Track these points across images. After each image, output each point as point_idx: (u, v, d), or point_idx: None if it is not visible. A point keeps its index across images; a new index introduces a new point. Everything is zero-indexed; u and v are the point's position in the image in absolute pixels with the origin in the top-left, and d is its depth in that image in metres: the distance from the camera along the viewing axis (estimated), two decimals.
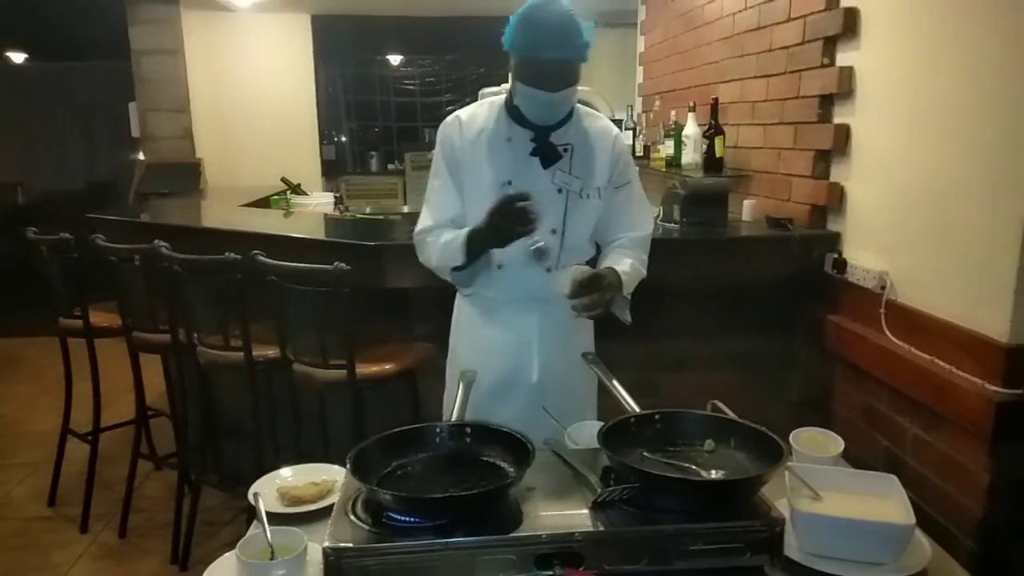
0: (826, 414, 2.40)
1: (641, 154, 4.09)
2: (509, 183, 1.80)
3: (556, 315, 1.83)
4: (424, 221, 1.90)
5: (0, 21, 6.77)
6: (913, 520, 1.29)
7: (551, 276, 1.82)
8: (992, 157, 1.79)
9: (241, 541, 1.31)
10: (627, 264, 1.84)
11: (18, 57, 8.99)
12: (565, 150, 1.83)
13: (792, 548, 1.31)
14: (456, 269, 1.84)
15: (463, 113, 1.89)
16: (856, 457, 1.89)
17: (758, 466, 1.35)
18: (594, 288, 1.69)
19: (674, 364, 2.49)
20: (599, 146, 1.87)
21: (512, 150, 1.82)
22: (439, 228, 1.87)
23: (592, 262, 1.91)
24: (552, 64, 1.69)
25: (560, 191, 1.83)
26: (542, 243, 1.79)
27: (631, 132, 4.17)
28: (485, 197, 1.78)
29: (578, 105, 1.90)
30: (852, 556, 1.29)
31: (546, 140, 1.81)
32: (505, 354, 1.82)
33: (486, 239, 1.77)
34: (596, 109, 2.65)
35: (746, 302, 2.51)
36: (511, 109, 1.82)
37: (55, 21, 6.78)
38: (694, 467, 1.37)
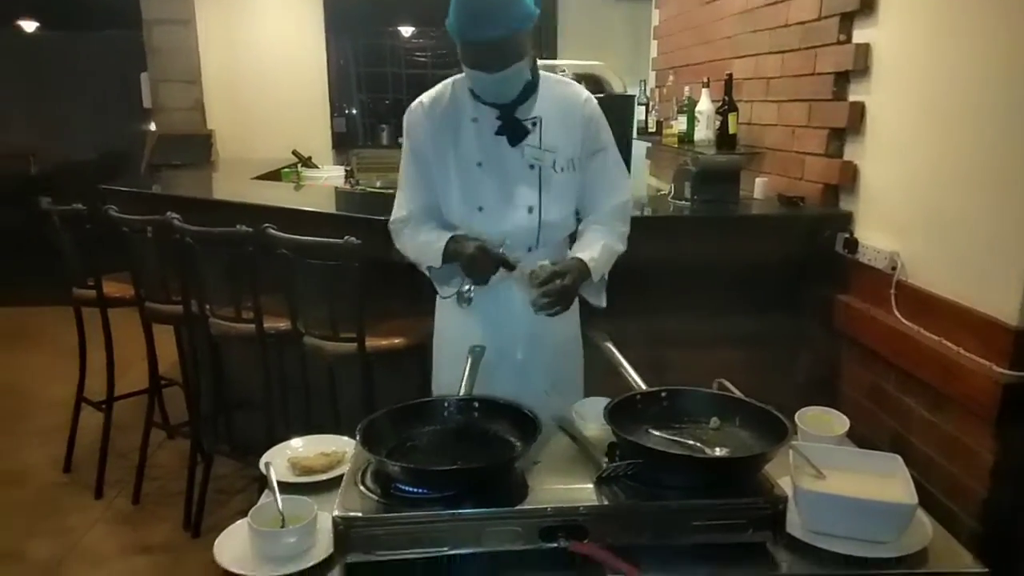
0: (833, 394, 2.40)
1: (654, 129, 4.06)
2: (479, 164, 1.77)
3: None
4: (398, 210, 1.88)
5: None
6: (915, 500, 1.30)
7: (531, 256, 1.79)
8: (1006, 140, 1.77)
9: (253, 509, 1.34)
10: (597, 248, 1.79)
11: (29, 26, 8.96)
12: (534, 124, 1.77)
13: (795, 525, 1.33)
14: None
15: (426, 98, 1.83)
16: (862, 437, 1.90)
17: (762, 444, 1.36)
18: (550, 286, 1.67)
19: (682, 342, 2.50)
20: (569, 115, 1.80)
21: (479, 130, 1.77)
22: (415, 220, 1.85)
23: (569, 239, 1.90)
24: (486, 45, 1.61)
25: (532, 167, 1.78)
26: (502, 251, 1.73)
27: (644, 107, 4.13)
28: (457, 179, 1.78)
29: (546, 74, 1.84)
30: (854, 534, 1.30)
31: (511, 117, 1.75)
32: (489, 333, 1.80)
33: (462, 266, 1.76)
34: (608, 83, 2.65)
35: (756, 280, 2.50)
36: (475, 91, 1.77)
37: None
38: (699, 444, 1.39)
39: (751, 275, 2.49)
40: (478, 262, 1.71)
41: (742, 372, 1.83)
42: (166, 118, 6.07)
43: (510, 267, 1.72)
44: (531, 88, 1.76)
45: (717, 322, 2.53)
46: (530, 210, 1.79)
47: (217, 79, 6.07)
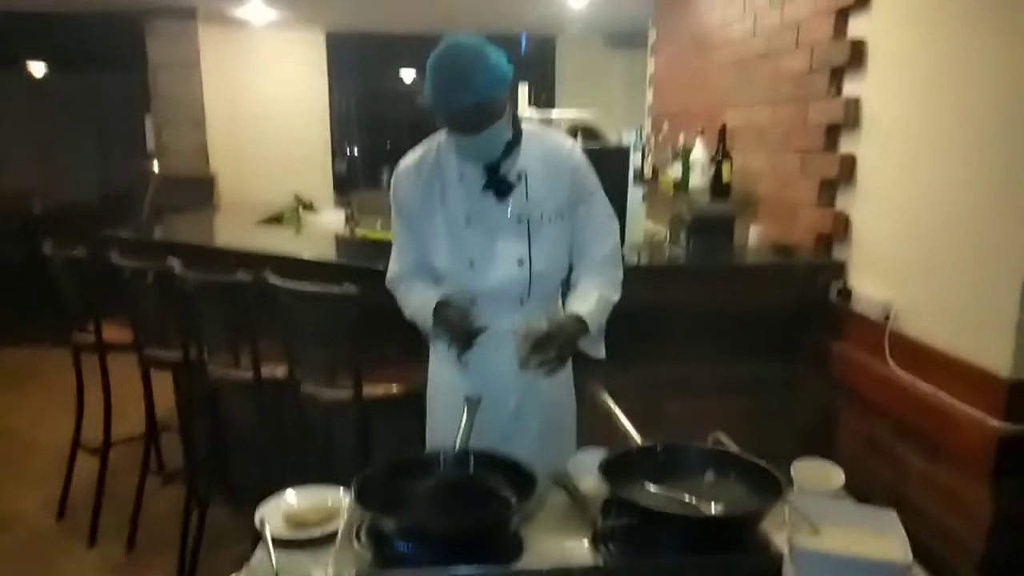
0: (829, 442, 2.41)
1: (649, 176, 4.12)
2: (468, 220, 1.79)
3: None
4: (392, 267, 1.93)
5: (21, 33, 6.88)
6: (910, 558, 1.30)
7: (523, 309, 1.81)
8: (995, 192, 1.81)
9: (246, 567, 1.34)
10: (593, 299, 1.80)
11: (38, 69, 9.12)
12: (519, 178, 1.79)
13: None
14: None
15: (411, 158, 1.86)
16: (858, 487, 1.90)
17: (758, 500, 1.36)
18: (546, 347, 1.67)
19: (679, 390, 2.50)
20: (555, 166, 1.82)
21: (465, 187, 1.79)
22: (408, 277, 1.90)
23: (563, 291, 1.92)
24: (460, 110, 1.64)
25: (520, 221, 1.79)
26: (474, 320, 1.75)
27: (639, 154, 4.20)
28: (446, 236, 1.80)
29: (530, 127, 1.86)
30: None
31: (496, 172, 1.77)
32: (483, 380, 1.80)
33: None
34: (599, 134, 2.70)
35: (751, 328, 2.52)
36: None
37: (75, 34, 6.88)
38: (695, 500, 1.39)
39: (747, 323, 2.51)
40: (457, 342, 1.76)
41: (738, 420, 1.84)
42: (169, 160, 6.15)
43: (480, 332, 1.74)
44: (514, 143, 1.78)
45: (713, 369, 2.54)
46: (520, 263, 1.80)
47: (221, 122, 6.17)
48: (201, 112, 6.12)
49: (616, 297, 1.89)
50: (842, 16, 2.43)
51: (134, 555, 2.99)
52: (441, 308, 1.79)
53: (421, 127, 1.85)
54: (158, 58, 6.04)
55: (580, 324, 1.76)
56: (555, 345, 1.68)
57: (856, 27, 2.39)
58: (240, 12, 5.68)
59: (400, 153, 1.93)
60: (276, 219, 4.20)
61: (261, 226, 3.94)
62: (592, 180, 1.88)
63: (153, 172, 6.36)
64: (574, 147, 1.88)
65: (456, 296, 1.79)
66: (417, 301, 1.85)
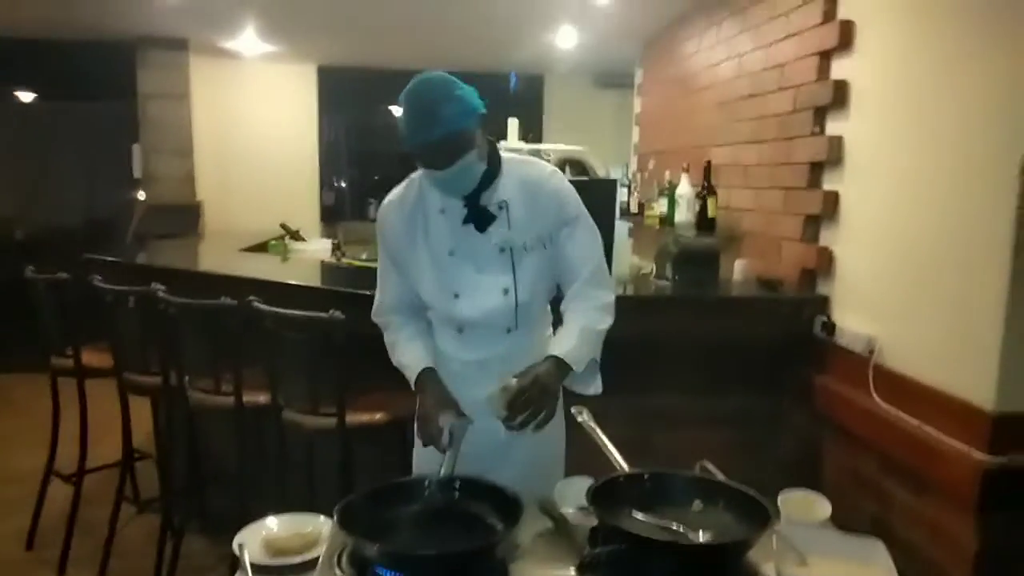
0: (815, 475, 2.40)
1: (636, 211, 4.17)
2: (451, 253, 1.79)
3: (525, 362, 1.77)
4: (377, 298, 1.93)
5: (9, 59, 6.90)
6: None
7: (511, 337, 1.81)
8: (976, 227, 1.84)
9: None
10: (574, 336, 1.75)
11: (27, 96, 9.13)
12: (500, 208, 1.78)
13: None
14: None
15: (394, 195, 1.87)
16: (844, 520, 1.89)
17: (746, 529, 1.35)
18: (522, 405, 1.62)
19: (664, 421, 2.50)
20: (535, 193, 1.80)
21: (448, 220, 1.79)
22: (393, 313, 1.90)
23: (552, 323, 1.91)
24: (429, 144, 1.65)
25: (503, 250, 1.78)
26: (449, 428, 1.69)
27: (626, 189, 4.25)
28: (431, 269, 1.80)
29: (509, 156, 1.86)
30: None
31: (476, 204, 1.77)
32: (470, 411, 1.78)
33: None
34: (591, 168, 2.74)
35: (736, 361, 2.53)
36: None
37: (64, 61, 6.91)
38: (682, 528, 1.37)
39: (732, 356, 2.52)
40: (423, 432, 1.74)
41: (723, 452, 1.83)
42: (156, 188, 6.13)
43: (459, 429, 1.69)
44: (492, 174, 1.78)
45: (699, 401, 2.54)
46: (505, 292, 1.79)
47: (209, 152, 6.18)
48: (189, 141, 6.13)
49: (607, 322, 1.82)
50: (825, 58, 2.50)
51: None
52: (420, 385, 1.80)
53: (409, 161, 1.85)
54: (148, 87, 6.06)
55: (559, 367, 1.70)
56: (531, 401, 1.62)
57: (839, 69, 2.45)
58: (232, 44, 5.73)
59: (388, 186, 1.94)
60: (262, 247, 4.18)
61: (246, 253, 3.92)
62: (573, 204, 1.84)
63: (139, 200, 6.34)
64: (554, 173, 1.86)
65: (433, 388, 1.79)
66: (402, 358, 1.86)
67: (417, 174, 1.85)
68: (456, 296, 1.81)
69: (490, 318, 1.80)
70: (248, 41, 5.59)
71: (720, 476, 1.52)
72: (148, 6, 4.69)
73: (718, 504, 1.45)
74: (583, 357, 1.74)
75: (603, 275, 1.88)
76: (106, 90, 7.51)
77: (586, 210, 1.86)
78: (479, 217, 1.77)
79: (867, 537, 1.46)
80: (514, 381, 1.63)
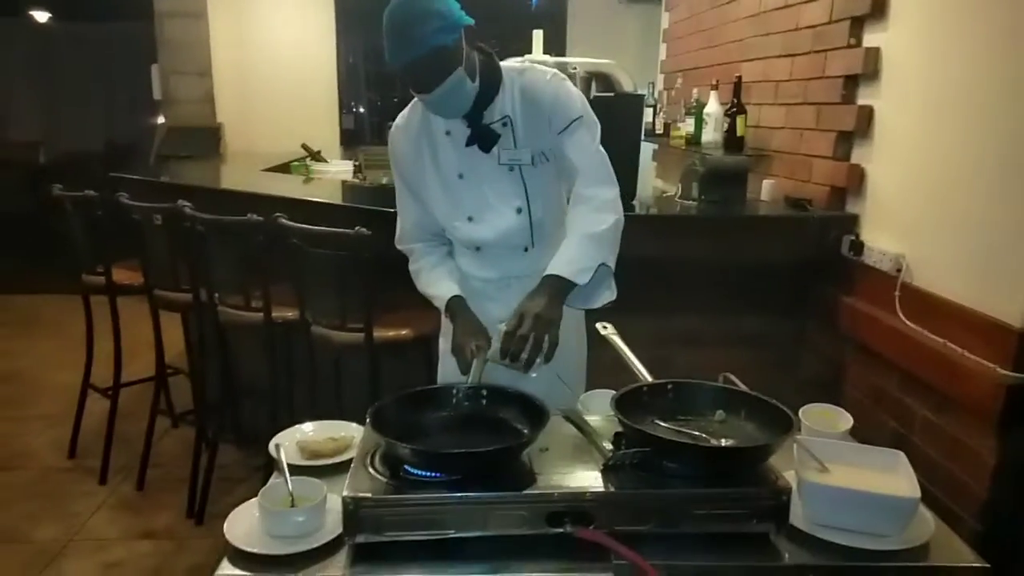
0: (836, 394, 2.42)
1: (661, 131, 4.08)
2: (460, 176, 1.76)
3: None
4: (398, 226, 1.92)
5: None
6: (918, 494, 1.32)
7: (529, 255, 1.80)
8: (1011, 146, 1.79)
9: (263, 489, 1.36)
10: (573, 247, 1.65)
11: (42, 16, 9.01)
12: (504, 124, 1.72)
13: (798, 517, 1.34)
14: None
15: (401, 119, 1.83)
16: (865, 437, 1.91)
17: (767, 436, 1.38)
18: (520, 342, 1.55)
19: (688, 340, 2.51)
20: (536, 102, 1.71)
21: (454, 142, 1.75)
22: (417, 247, 1.90)
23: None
24: (409, 66, 1.57)
25: (512, 169, 1.74)
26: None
27: (651, 109, 4.16)
28: (442, 193, 1.79)
29: (509, 66, 1.77)
30: (856, 527, 1.32)
31: (479, 124, 1.71)
32: (493, 328, 1.80)
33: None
34: (619, 82, 2.67)
35: (762, 281, 2.52)
36: None
37: None
38: (704, 435, 1.40)
39: (757, 276, 2.51)
40: (458, 362, 1.69)
41: (746, 371, 1.83)
42: (176, 110, 6.11)
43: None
44: (492, 89, 1.71)
45: (722, 321, 2.55)
46: (519, 211, 1.76)
47: (227, 73, 6.10)
48: (208, 62, 6.06)
49: (608, 220, 1.67)
50: None
51: (145, 494, 3.05)
52: (452, 308, 1.79)
53: None
54: (165, 7, 5.96)
55: (555, 286, 1.61)
56: (525, 337, 1.55)
57: None
58: None
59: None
60: (284, 168, 4.18)
61: (269, 173, 3.92)
62: (575, 106, 1.72)
63: (160, 122, 6.32)
64: (555, 75, 1.76)
65: (463, 317, 1.77)
66: (428, 288, 1.86)
67: (418, 104, 1.79)
68: (470, 219, 1.80)
69: (506, 238, 1.79)
70: None
71: (742, 387, 1.54)
72: None
73: (740, 413, 1.47)
74: (585, 267, 1.63)
75: (602, 171, 1.74)
76: (123, 10, 7.40)
77: (590, 109, 1.75)
78: (483, 137, 1.72)
79: (889, 449, 1.47)
80: (502, 326, 1.59)
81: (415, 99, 1.77)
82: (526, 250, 1.82)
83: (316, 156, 4.51)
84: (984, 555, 1.37)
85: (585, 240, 1.66)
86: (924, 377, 2.03)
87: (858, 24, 2.42)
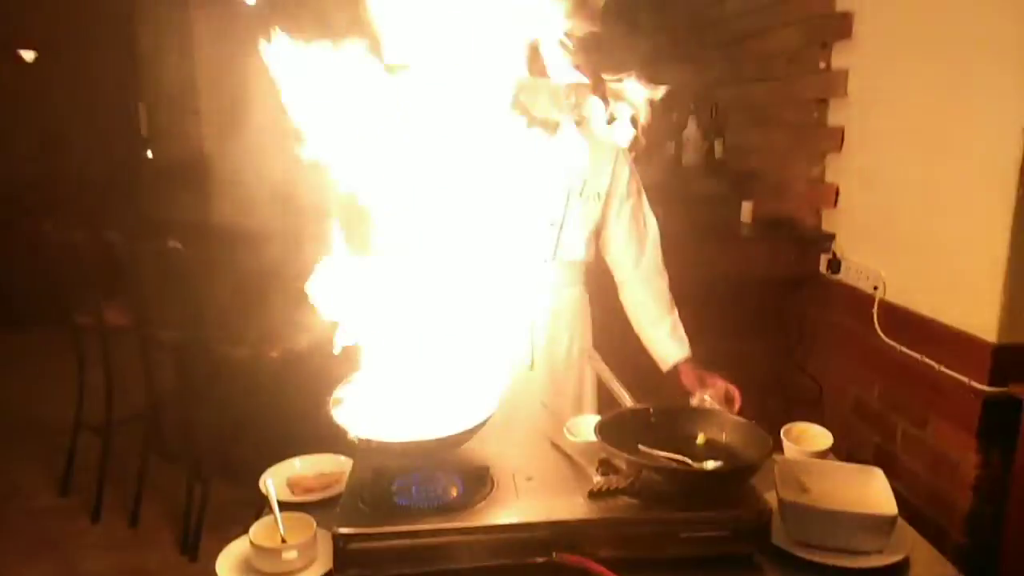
0: (819, 410, 2.46)
1: (642, 153, 4.14)
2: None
3: (551, 305, 1.94)
4: None
5: (11, 18, 6.84)
6: (895, 511, 1.35)
7: (546, 267, 1.95)
8: (979, 161, 1.84)
9: (253, 526, 1.38)
10: (667, 325, 2.04)
11: (28, 55, 9.06)
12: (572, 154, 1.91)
13: (780, 537, 1.37)
14: None
15: None
16: (848, 452, 1.95)
17: (747, 457, 1.41)
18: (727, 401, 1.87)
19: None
20: (603, 155, 1.98)
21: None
22: None
23: (588, 268, 2.03)
24: None
25: (561, 191, 1.93)
26: None
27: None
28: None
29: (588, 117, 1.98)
30: (837, 545, 1.34)
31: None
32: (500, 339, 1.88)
33: None
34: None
35: (744, 301, 2.56)
36: None
37: (65, 18, 6.86)
38: (686, 459, 1.43)
39: (739, 295, 2.55)
40: None
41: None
42: (162, 145, 6.15)
43: None
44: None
45: (705, 340, 2.58)
46: (551, 224, 1.94)
47: (213, 106, 6.15)
48: (195, 97, 6.11)
49: (664, 279, 2.09)
50: None
51: (138, 530, 3.04)
52: None
53: None
54: (150, 43, 6.04)
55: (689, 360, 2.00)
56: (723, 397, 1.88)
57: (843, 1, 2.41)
58: None
59: None
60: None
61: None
62: (636, 182, 2.05)
63: (147, 157, 6.36)
64: (624, 150, 2.04)
65: None
66: None
67: None
68: None
69: (532, 245, 1.93)
70: None
71: (720, 408, 1.57)
72: None
73: (721, 435, 1.51)
74: (681, 335, 2.05)
75: (657, 243, 2.09)
76: (109, 46, 7.47)
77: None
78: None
79: (867, 466, 1.50)
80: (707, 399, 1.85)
81: None
82: (545, 262, 1.96)
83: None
84: (968, 568, 1.40)
85: (677, 323, 2.07)
86: (904, 392, 2.07)
87: (827, 48, 2.49)
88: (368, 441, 1.34)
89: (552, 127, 1.90)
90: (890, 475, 1.49)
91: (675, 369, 1.98)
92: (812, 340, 2.50)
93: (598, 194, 1.97)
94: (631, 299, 2.04)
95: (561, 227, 1.94)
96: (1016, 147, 1.73)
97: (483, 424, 1.40)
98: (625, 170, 2.01)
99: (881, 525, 1.34)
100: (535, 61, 1.80)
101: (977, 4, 1.86)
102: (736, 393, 1.85)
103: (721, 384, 1.87)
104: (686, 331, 2.57)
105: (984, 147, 1.83)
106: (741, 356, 2.55)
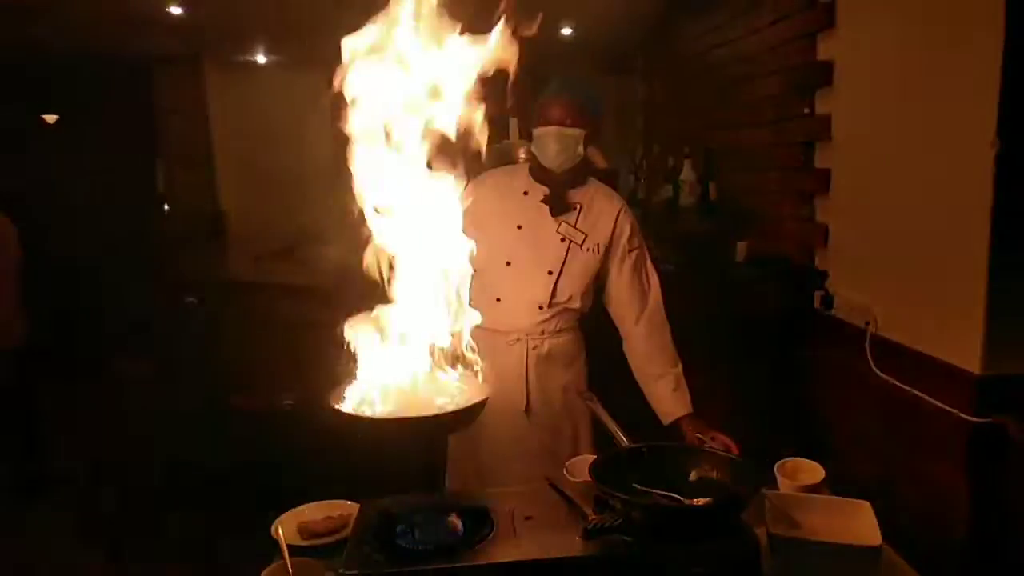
0: (816, 443, 2.49)
1: (643, 196, 4.25)
2: (519, 227, 2.04)
3: (544, 348, 2.02)
4: None
5: (36, 84, 7.11)
6: (879, 541, 1.40)
7: (542, 314, 2.03)
8: (956, 198, 1.92)
9: (264, 572, 1.44)
10: (682, 388, 2.11)
11: (50, 117, 9.38)
12: (576, 207, 2.05)
13: (772, 571, 1.42)
14: None
15: (482, 176, 2.12)
16: (848, 483, 1.99)
17: (735, 493, 1.46)
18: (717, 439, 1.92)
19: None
20: (606, 210, 2.09)
21: (528, 200, 2.07)
22: None
23: (581, 320, 2.12)
24: (568, 103, 2.02)
25: (563, 240, 2.03)
26: None
27: (633, 176, 4.34)
28: (497, 235, 2.00)
29: (592, 178, 2.14)
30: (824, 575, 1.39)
31: (559, 192, 2.06)
32: (496, 384, 1.93)
33: None
34: (592, 159, 2.83)
35: (740, 337, 2.63)
36: (532, 171, 2.10)
37: (85, 83, 7.13)
38: (678, 496, 1.49)
39: (735, 332, 2.62)
40: None
41: (729, 424, 1.96)
42: (179, 200, 6.34)
43: None
44: (580, 178, 2.08)
45: (704, 377, 2.63)
46: (550, 273, 2.02)
47: (229, 161, 6.36)
48: (209, 152, 6.32)
49: (667, 333, 2.16)
50: (811, 39, 2.58)
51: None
52: None
53: None
54: (166, 100, 6.27)
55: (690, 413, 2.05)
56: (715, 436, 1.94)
57: (825, 49, 2.52)
58: (244, 56, 5.91)
59: None
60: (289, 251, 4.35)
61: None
62: (639, 237, 2.14)
63: (164, 211, 6.55)
64: (625, 206, 2.16)
65: None
66: None
67: (504, 168, 2.19)
68: (508, 263, 2.03)
69: (528, 290, 2.03)
70: (259, 53, 5.75)
71: (715, 447, 1.64)
72: (160, 27, 4.86)
73: (712, 472, 1.57)
74: (684, 388, 2.11)
75: (661, 302, 2.17)
76: (125, 104, 7.73)
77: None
78: (557, 202, 2.04)
79: (854, 500, 1.55)
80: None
81: (498, 169, 2.19)
82: (541, 308, 2.03)
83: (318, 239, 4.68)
84: None
85: (679, 377, 2.13)
86: (898, 424, 2.11)
87: (810, 94, 2.59)
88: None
89: (559, 181, 2.02)
90: (888, 507, 1.54)
91: (676, 423, 2.02)
92: (809, 375, 2.55)
93: (597, 246, 2.05)
94: (634, 353, 2.11)
95: (559, 276, 2.02)
96: (987, 185, 1.80)
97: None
98: (627, 226, 2.09)
99: (866, 555, 1.39)
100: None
101: (948, 52, 1.95)
102: (734, 448, 1.89)
103: (721, 439, 1.91)
104: (685, 367, 2.65)
105: (959, 187, 1.91)
106: (741, 390, 2.61)
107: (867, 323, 2.28)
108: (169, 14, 4.45)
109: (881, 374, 2.18)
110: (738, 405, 2.58)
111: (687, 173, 3.38)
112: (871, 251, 2.33)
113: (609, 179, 2.91)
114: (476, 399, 1.48)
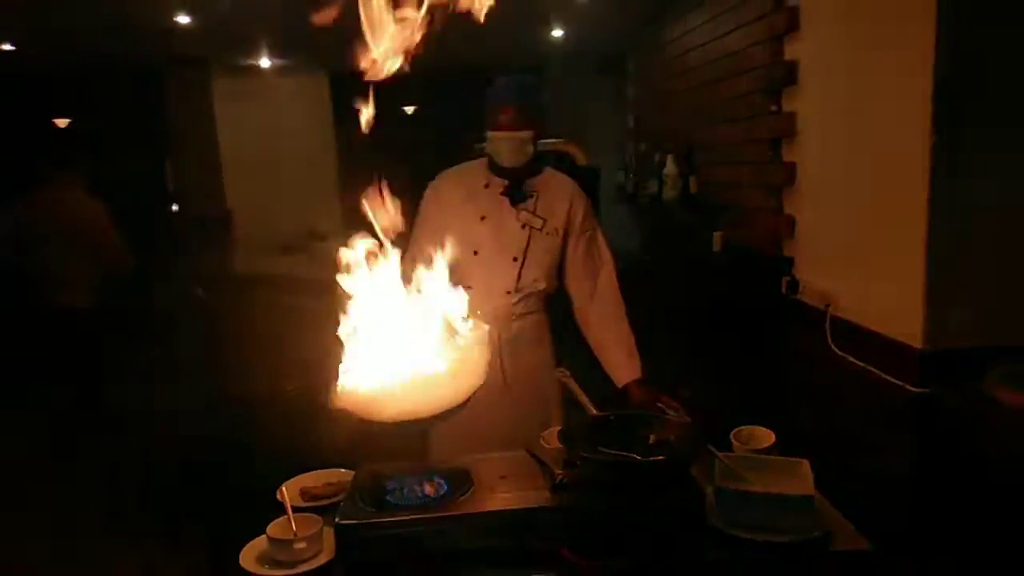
0: (777, 411, 2.65)
1: (632, 191, 4.43)
2: (483, 218, 2.19)
3: (512, 330, 2.20)
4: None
5: (50, 92, 7.33)
6: (812, 491, 1.57)
7: (511, 298, 2.20)
8: (901, 189, 2.09)
9: (270, 524, 1.63)
10: (635, 355, 2.22)
11: (61, 121, 9.61)
12: (533, 195, 2.21)
13: (718, 521, 1.60)
14: None
15: (444, 173, 2.29)
16: (799, 446, 2.14)
17: (684, 451, 1.65)
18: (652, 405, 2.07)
19: (652, 379, 2.78)
20: (561, 195, 2.24)
21: (488, 193, 2.22)
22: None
23: (548, 299, 2.28)
24: (517, 106, 2.15)
25: (524, 227, 2.20)
26: None
27: (623, 171, 4.52)
28: (461, 228, 2.13)
29: (548, 169, 2.29)
30: (764, 523, 1.57)
31: (517, 184, 2.21)
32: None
33: None
34: (574, 157, 3.02)
35: (716, 322, 2.80)
36: (490, 165, 2.23)
37: (97, 88, 7.34)
38: (635, 455, 1.67)
39: (709, 316, 2.80)
40: None
41: (702, 396, 2.13)
42: (188, 200, 6.56)
43: None
44: (536, 169, 2.23)
45: (681, 353, 2.82)
46: (515, 259, 2.19)
47: (235, 162, 6.57)
48: (217, 154, 6.53)
49: (622, 308, 2.28)
50: (779, 41, 2.75)
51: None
52: None
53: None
54: (176, 106, 6.47)
55: (639, 382, 2.18)
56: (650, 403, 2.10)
57: (791, 50, 2.70)
58: (249, 60, 6.11)
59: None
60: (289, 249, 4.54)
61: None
62: (591, 219, 2.29)
63: (173, 210, 6.77)
64: (578, 189, 2.31)
65: None
66: None
67: (465, 164, 2.30)
68: (475, 253, 2.19)
69: (497, 277, 2.18)
70: (262, 56, 5.95)
71: (672, 414, 1.82)
72: (169, 32, 5.06)
73: (670, 436, 1.74)
74: (635, 353, 2.22)
75: (613, 274, 2.30)
76: (137, 109, 7.94)
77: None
78: (516, 192, 2.19)
79: (794, 458, 1.73)
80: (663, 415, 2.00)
81: (456, 167, 2.32)
82: (508, 293, 2.19)
83: (322, 238, 4.89)
84: (904, 549, 1.60)
85: (626, 336, 2.25)
86: (850, 394, 2.29)
87: (777, 93, 2.76)
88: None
89: (516, 174, 2.17)
90: (843, 469, 1.71)
91: (627, 387, 2.18)
92: (775, 352, 2.73)
93: (556, 229, 2.22)
94: (588, 324, 2.28)
95: (523, 262, 2.19)
96: (924, 176, 1.98)
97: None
98: (580, 208, 2.25)
99: (800, 503, 1.57)
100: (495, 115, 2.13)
101: (887, 51, 2.12)
102: (681, 410, 2.05)
103: (666, 401, 2.07)
104: (665, 351, 2.82)
105: (900, 178, 2.08)
106: (711, 366, 2.79)
107: (827, 305, 2.45)
108: (177, 23, 4.66)
109: (837, 351, 2.36)
110: (710, 378, 2.76)
111: (670, 168, 3.56)
112: (831, 240, 2.50)
113: (591, 177, 3.11)
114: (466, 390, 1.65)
